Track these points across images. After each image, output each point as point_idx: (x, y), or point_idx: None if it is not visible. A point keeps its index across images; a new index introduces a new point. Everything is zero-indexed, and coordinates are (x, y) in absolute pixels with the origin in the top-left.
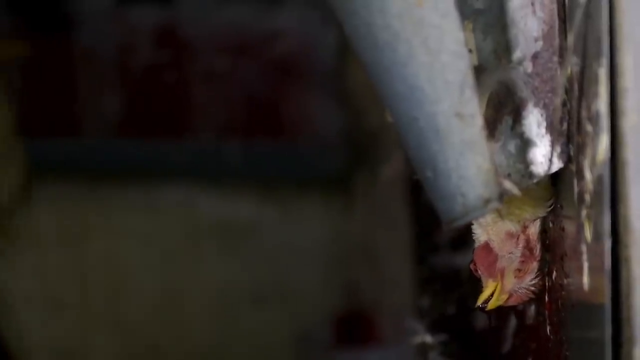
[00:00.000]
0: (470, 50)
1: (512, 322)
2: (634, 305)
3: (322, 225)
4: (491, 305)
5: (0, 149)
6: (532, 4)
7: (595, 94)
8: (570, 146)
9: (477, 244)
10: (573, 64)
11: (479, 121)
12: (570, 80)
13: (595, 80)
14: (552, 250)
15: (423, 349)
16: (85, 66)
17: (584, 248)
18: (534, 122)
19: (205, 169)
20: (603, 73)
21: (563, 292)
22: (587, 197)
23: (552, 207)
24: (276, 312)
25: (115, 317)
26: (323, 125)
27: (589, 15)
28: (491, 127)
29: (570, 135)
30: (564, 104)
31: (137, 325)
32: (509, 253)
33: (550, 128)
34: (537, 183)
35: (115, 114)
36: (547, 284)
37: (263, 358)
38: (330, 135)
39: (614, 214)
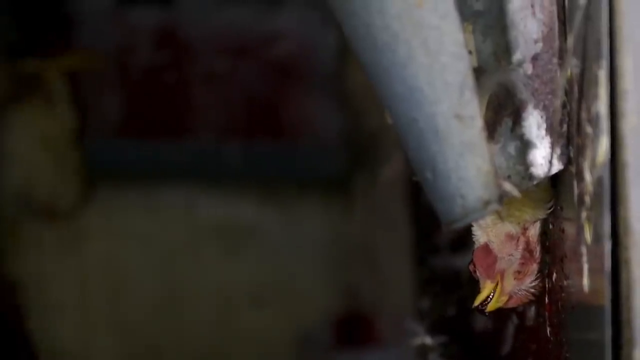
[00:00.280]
0: (469, 52)
1: (512, 323)
2: (634, 307)
3: (322, 227)
4: (491, 307)
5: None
6: (532, 6)
7: (595, 96)
8: (570, 148)
9: (476, 246)
10: (573, 65)
11: (478, 123)
12: (570, 82)
13: (595, 82)
14: (552, 252)
15: (423, 350)
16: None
17: (584, 250)
18: (534, 124)
19: (206, 170)
20: (603, 75)
21: (563, 294)
22: (587, 199)
23: (552, 209)
24: (276, 312)
25: (115, 317)
26: (323, 127)
27: (589, 17)
28: (491, 128)
29: (570, 137)
30: (563, 106)
31: (137, 326)
32: (509, 255)
33: (550, 130)
34: (537, 185)
35: (115, 114)
36: (547, 285)
37: (263, 359)
38: (330, 137)
39: (614, 215)
